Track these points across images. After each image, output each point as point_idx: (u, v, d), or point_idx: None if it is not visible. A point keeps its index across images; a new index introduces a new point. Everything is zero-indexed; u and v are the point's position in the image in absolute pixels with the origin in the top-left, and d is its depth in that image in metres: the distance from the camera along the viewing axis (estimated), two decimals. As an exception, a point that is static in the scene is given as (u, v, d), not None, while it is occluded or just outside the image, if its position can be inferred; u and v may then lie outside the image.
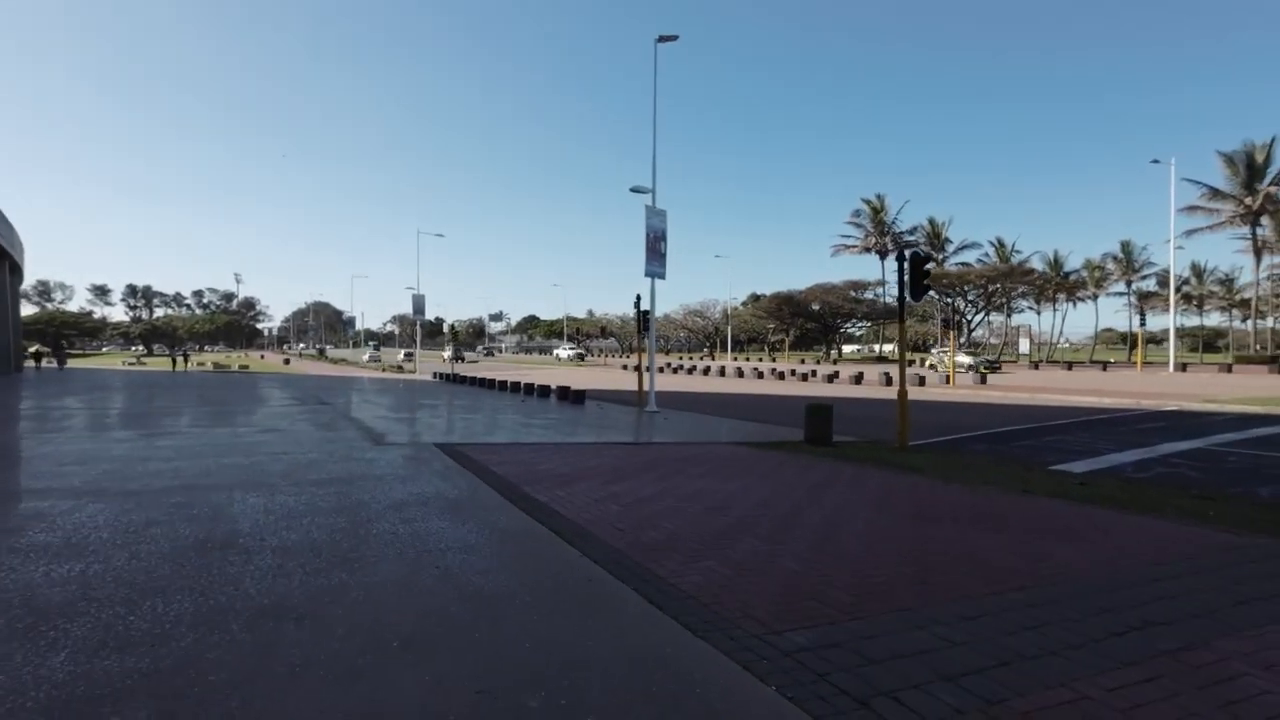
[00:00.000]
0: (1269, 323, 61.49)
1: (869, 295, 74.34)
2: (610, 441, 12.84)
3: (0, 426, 13.61)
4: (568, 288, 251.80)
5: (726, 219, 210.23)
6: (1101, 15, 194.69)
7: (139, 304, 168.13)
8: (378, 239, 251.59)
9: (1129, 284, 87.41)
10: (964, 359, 35.29)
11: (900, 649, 3.45)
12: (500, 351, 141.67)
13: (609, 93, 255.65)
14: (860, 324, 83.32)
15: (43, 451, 10.00)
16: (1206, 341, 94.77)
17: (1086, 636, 3.65)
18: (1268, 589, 4.51)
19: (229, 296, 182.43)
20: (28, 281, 77.09)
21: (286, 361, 76.49)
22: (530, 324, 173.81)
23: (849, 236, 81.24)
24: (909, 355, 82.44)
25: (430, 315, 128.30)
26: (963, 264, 73.14)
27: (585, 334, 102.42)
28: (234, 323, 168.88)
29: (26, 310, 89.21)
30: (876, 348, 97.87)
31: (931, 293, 71.40)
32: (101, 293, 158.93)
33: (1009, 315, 78.98)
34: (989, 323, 75.55)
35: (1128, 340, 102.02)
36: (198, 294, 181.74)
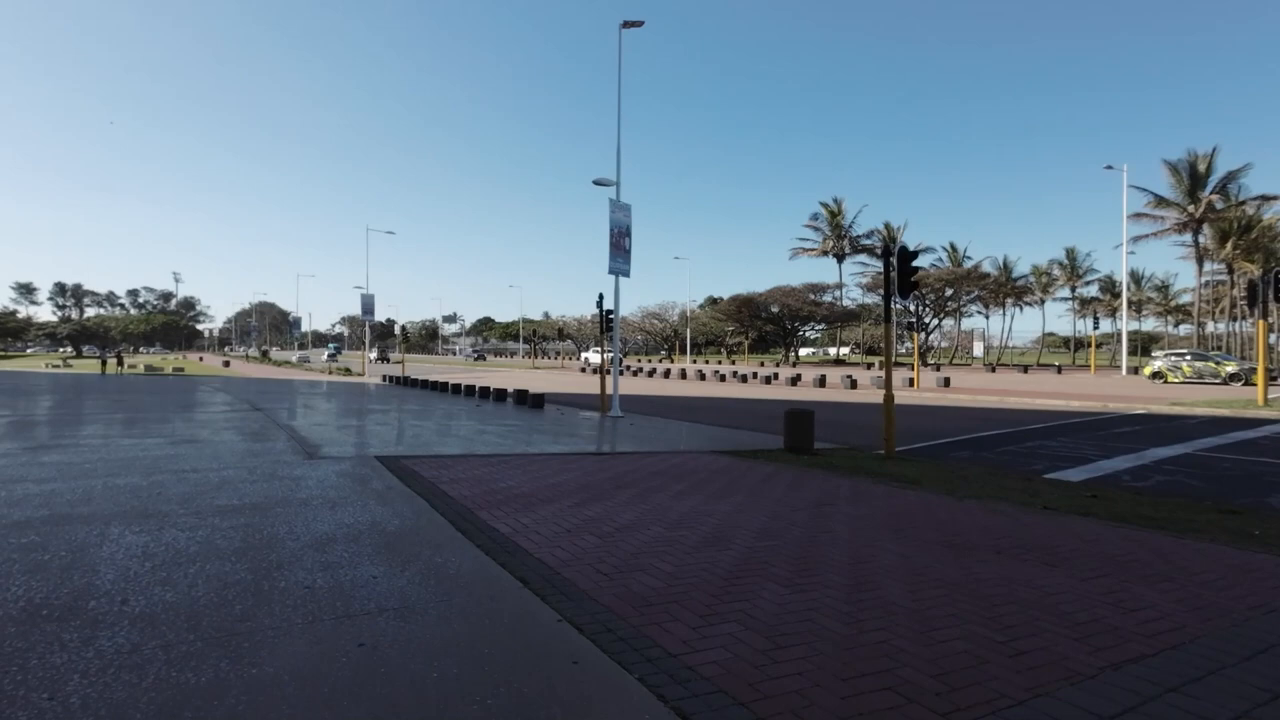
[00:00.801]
0: (1209, 328, 63.53)
1: (827, 298, 74.54)
2: (576, 452, 11.61)
3: None
4: (524, 289, 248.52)
5: (683, 220, 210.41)
6: (1056, 19, 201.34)
7: (68, 303, 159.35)
8: (327, 238, 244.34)
9: (1073, 289, 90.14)
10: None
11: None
12: (456, 354, 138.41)
13: (567, 87, 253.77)
14: (816, 327, 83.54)
15: (-108, 471, 8.28)
16: (1143, 345, 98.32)
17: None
18: None
19: (167, 296, 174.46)
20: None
21: (226, 364, 72.73)
22: (485, 326, 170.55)
23: (807, 239, 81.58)
24: (864, 359, 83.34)
25: (382, 317, 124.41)
26: (917, 267, 73.92)
27: (542, 336, 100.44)
28: (172, 323, 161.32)
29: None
30: (832, 351, 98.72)
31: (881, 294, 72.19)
32: (27, 291, 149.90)
33: (959, 320, 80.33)
34: (940, 326, 76.57)
35: (1071, 344, 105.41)
36: (133, 293, 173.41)
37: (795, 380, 37.59)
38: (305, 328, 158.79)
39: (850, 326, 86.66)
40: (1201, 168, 50.98)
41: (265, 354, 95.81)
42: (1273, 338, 68.96)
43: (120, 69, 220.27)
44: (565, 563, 4.85)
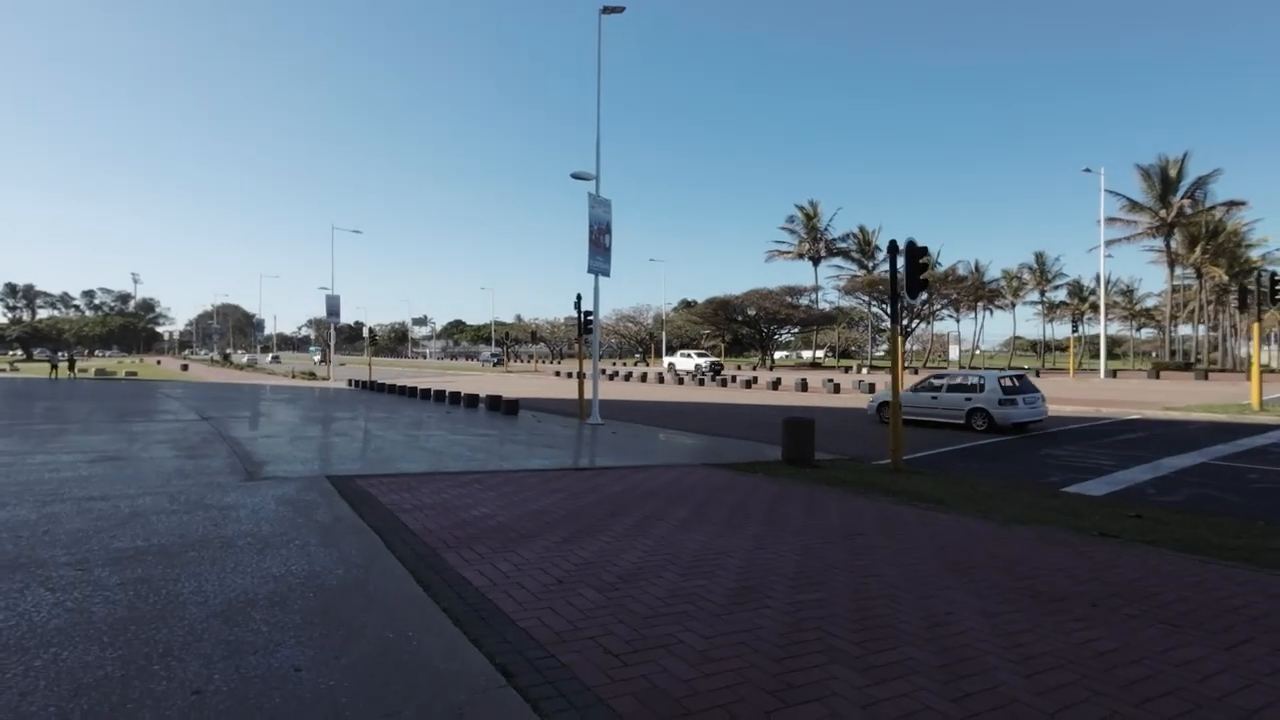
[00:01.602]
0: (1178, 331, 64.35)
1: (804, 301, 74.07)
2: (558, 467, 10.39)
3: None
4: (495, 292, 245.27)
5: (658, 223, 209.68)
6: (1026, 24, 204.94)
7: (19, 304, 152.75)
8: (295, 241, 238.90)
9: (1042, 293, 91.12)
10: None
11: None
12: (426, 357, 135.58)
13: (538, 86, 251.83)
14: (790, 330, 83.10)
15: None
16: (1107, 350, 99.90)
17: None
18: None
19: (125, 297, 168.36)
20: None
21: (184, 367, 69.78)
22: (456, 328, 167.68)
23: (783, 242, 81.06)
24: (840, 363, 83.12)
25: (350, 319, 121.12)
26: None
27: (515, 339, 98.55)
28: (130, 326, 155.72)
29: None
30: (805, 354, 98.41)
31: (862, 298, 71.93)
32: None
33: (931, 323, 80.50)
34: (914, 330, 76.60)
35: (1040, 348, 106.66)
36: (88, 294, 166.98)
37: (776, 384, 36.71)
38: (270, 330, 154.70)
39: (825, 330, 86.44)
40: (1173, 172, 51.41)
41: (226, 357, 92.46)
42: (1245, 343, 70.23)
43: (79, 69, 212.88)
44: (561, 637, 3.65)
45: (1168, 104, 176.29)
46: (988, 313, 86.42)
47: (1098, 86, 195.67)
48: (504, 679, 3.10)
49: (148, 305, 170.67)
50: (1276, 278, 21.03)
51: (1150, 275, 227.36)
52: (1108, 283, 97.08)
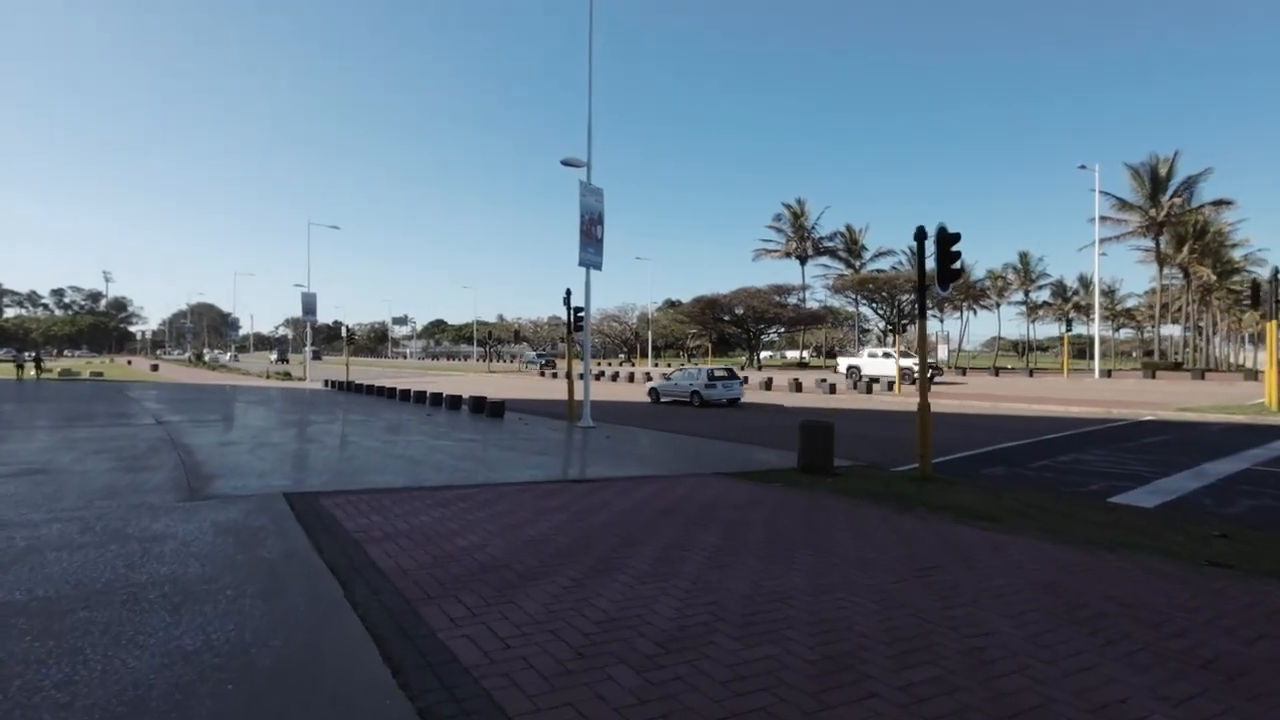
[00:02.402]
0: (1157, 331, 64.35)
1: (792, 300, 73.24)
2: (553, 480, 9.17)
3: None
4: (478, 291, 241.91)
5: (641, 225, 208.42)
6: (1016, 21, 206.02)
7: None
8: (273, 242, 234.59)
9: (1026, 293, 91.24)
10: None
11: None
12: (407, 356, 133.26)
13: (520, 85, 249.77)
14: (776, 329, 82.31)
15: None
16: (1085, 350, 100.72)
17: None
18: None
19: (96, 296, 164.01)
20: None
21: (155, 368, 67.31)
22: (437, 328, 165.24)
23: (770, 240, 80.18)
24: (826, 362, 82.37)
25: (329, 319, 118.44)
26: (878, 270, 73.31)
27: (497, 339, 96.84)
28: (101, 325, 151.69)
29: None
30: (789, 354, 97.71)
31: (850, 296, 71.30)
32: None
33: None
34: (904, 330, 76.19)
35: (1026, 348, 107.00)
36: (58, 293, 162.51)
37: (768, 384, 35.66)
38: (247, 330, 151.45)
39: (812, 329, 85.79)
40: (1163, 171, 51.15)
41: (199, 357, 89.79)
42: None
43: (44, 64, 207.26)
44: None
45: (1153, 106, 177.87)
46: (972, 312, 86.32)
47: (1085, 86, 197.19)
48: None
49: (120, 304, 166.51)
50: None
51: (1131, 276, 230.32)
52: (1089, 284, 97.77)
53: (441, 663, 3.27)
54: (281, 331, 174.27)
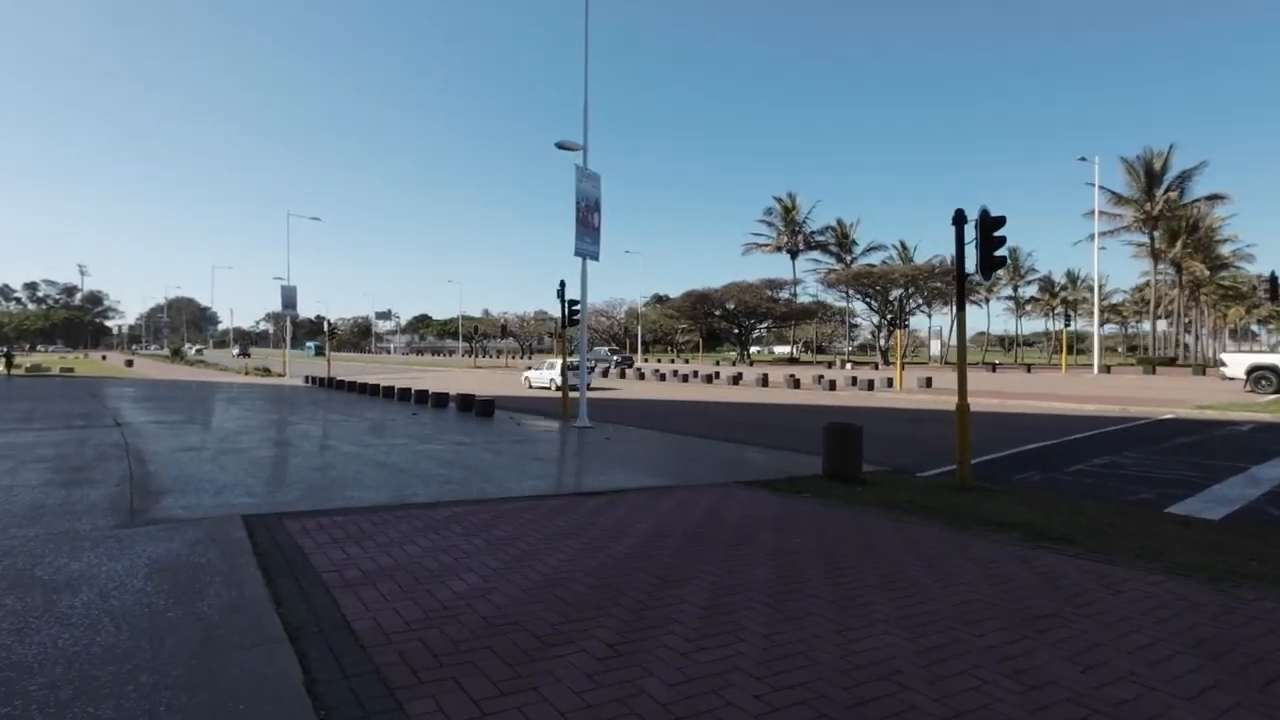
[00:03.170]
0: (1153, 326, 64.24)
1: (784, 295, 72.39)
2: (559, 492, 8.07)
3: None
4: (463, 286, 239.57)
5: (629, 223, 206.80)
6: (1016, 15, 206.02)
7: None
8: (255, 237, 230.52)
9: (1015, 289, 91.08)
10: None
11: None
12: (391, 351, 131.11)
13: (505, 76, 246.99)
14: (766, 324, 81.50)
15: None
16: (1073, 345, 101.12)
17: None
18: None
19: (71, 290, 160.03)
20: None
21: (129, 363, 65.22)
22: (421, 323, 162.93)
23: (760, 235, 79.29)
24: (815, 358, 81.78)
25: (311, 313, 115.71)
26: (869, 265, 72.64)
27: (483, 334, 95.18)
28: (76, 319, 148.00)
29: None
30: (778, 349, 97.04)
31: (843, 290, 70.55)
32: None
33: (910, 318, 79.66)
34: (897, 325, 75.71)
35: (1013, 343, 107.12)
36: (30, 286, 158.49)
37: (764, 380, 34.76)
38: (227, 324, 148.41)
39: (804, 324, 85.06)
40: (1157, 166, 50.75)
41: (176, 352, 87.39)
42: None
43: (16, 56, 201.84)
44: None
45: (1147, 101, 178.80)
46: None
47: (1073, 83, 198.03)
48: None
49: (95, 298, 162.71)
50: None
51: (1118, 271, 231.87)
52: (1077, 279, 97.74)
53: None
54: (262, 326, 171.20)
